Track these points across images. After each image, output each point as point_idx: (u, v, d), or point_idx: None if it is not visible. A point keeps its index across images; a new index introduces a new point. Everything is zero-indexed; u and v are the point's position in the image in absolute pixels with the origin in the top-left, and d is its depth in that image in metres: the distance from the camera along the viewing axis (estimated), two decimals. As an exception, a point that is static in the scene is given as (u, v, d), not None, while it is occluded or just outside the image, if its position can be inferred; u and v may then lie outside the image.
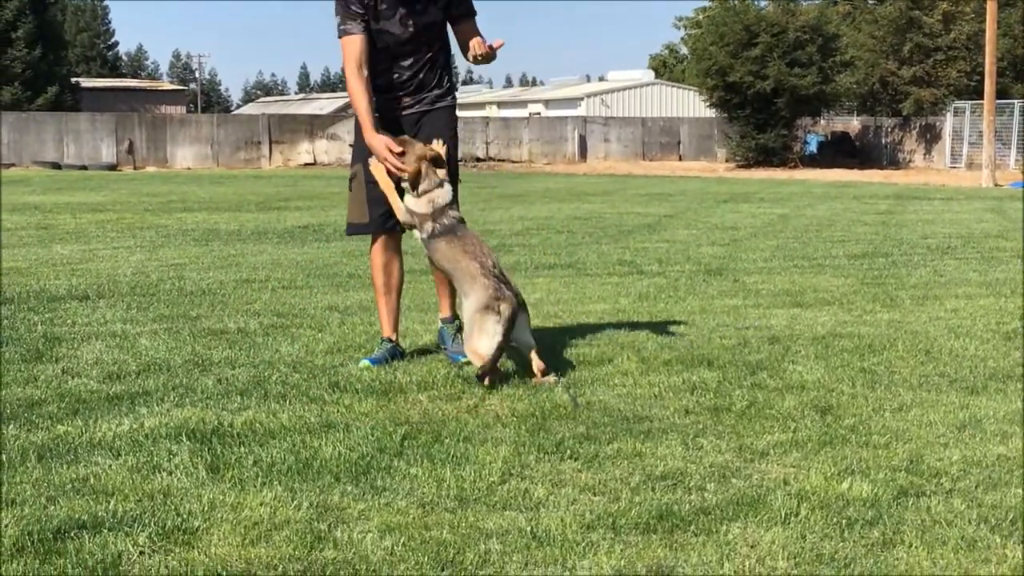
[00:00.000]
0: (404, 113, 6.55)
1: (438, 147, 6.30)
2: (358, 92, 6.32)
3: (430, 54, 6.55)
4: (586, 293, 9.57)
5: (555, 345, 6.92)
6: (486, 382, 5.71)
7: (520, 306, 5.96)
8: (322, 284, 10.14)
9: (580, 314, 8.31)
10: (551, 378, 5.85)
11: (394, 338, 6.76)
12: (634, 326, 7.76)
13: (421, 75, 6.53)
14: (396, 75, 6.53)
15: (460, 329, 6.55)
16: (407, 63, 6.51)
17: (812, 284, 10.21)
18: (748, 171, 48.93)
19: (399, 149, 6.18)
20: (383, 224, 6.59)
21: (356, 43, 6.34)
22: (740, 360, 6.49)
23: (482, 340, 5.83)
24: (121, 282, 10.18)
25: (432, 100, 6.59)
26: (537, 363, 5.96)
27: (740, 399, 5.55)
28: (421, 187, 6.18)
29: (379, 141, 6.22)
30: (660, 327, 7.70)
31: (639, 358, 6.53)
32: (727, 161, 54.69)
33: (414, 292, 9.24)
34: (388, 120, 6.48)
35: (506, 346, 5.85)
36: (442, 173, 6.25)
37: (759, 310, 8.56)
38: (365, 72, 6.36)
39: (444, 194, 6.21)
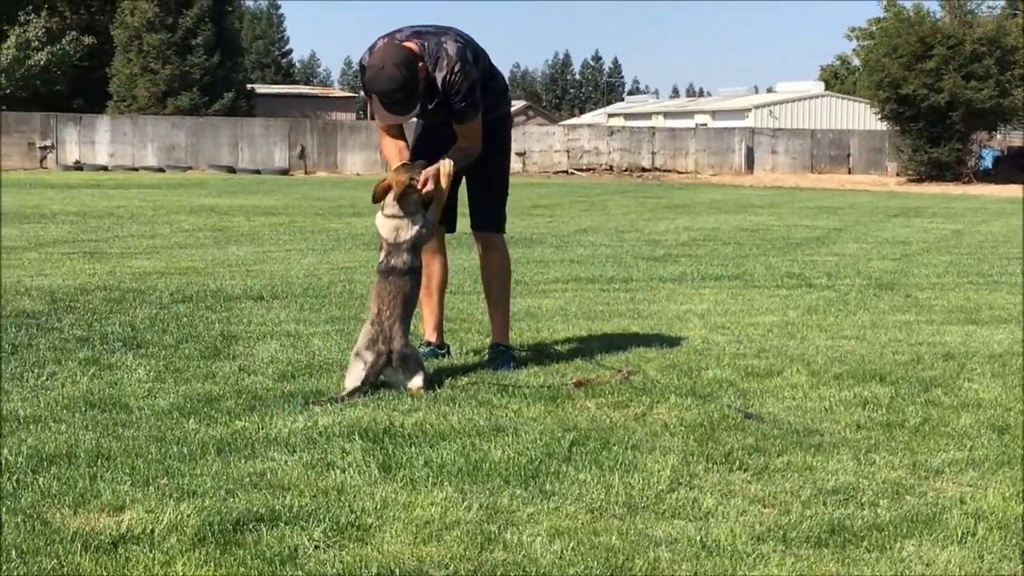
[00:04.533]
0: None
1: (444, 169, 6.25)
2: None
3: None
4: (754, 305, 9.49)
5: (722, 356, 6.88)
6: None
7: (393, 362, 5.90)
8: (489, 290, 10.21)
9: (748, 326, 8.24)
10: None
11: (434, 340, 6.84)
12: (803, 339, 7.68)
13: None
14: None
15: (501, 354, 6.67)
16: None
17: (988, 301, 9.97)
18: (920, 185, 47.95)
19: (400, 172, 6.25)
20: None
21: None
22: (913, 376, 6.37)
23: (348, 378, 5.90)
24: (294, 283, 10.40)
25: None
26: (414, 391, 5.88)
27: (914, 415, 5.46)
28: (388, 209, 6.18)
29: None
30: (830, 341, 7.61)
31: (809, 371, 6.46)
32: (898, 175, 53.63)
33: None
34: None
35: (367, 388, 5.82)
36: (412, 205, 6.18)
37: (932, 326, 8.39)
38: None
39: (410, 229, 6.16)
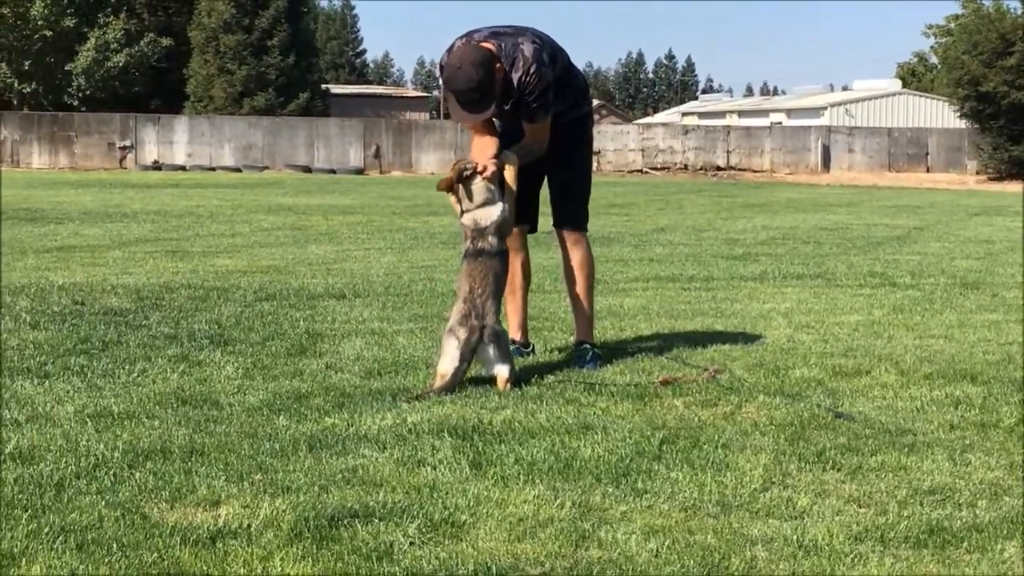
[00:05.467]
0: None
1: (508, 168, 6.27)
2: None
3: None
4: (837, 304, 9.40)
5: (808, 355, 6.82)
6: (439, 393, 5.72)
7: (486, 337, 5.92)
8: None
9: (833, 325, 8.16)
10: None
11: (519, 338, 6.84)
12: (890, 338, 7.60)
13: None
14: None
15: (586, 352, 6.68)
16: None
17: (1078, 301, 9.79)
18: (1000, 184, 47.29)
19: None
20: None
21: None
22: (1005, 376, 6.28)
23: (442, 360, 5.90)
24: (375, 282, 10.45)
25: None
26: (501, 386, 5.88)
27: (1008, 415, 5.37)
28: (464, 204, 6.21)
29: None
30: (918, 340, 7.52)
31: (898, 371, 6.38)
32: (977, 173, 52.95)
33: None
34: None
35: (465, 368, 5.88)
36: (483, 194, 6.18)
37: (1021, 326, 8.26)
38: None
39: (488, 215, 6.17)
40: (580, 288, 6.87)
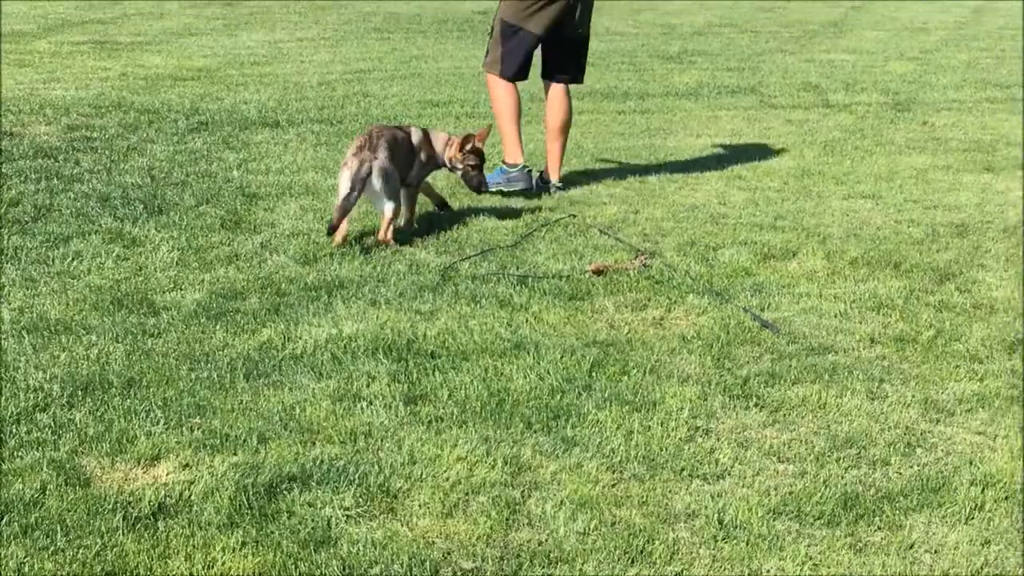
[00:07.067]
0: None
1: None
2: None
3: None
4: (770, 136, 9.48)
5: (738, 228, 6.93)
6: (336, 238, 6.36)
7: (375, 170, 6.37)
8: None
9: (764, 175, 8.26)
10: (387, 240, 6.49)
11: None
12: (819, 198, 7.71)
13: None
14: None
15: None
16: None
17: (1005, 132, 9.92)
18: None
19: None
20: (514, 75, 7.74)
21: None
22: (927, 264, 6.40)
23: (339, 190, 6.45)
24: (308, 99, 10.39)
25: None
26: (382, 232, 6.48)
27: (927, 327, 5.48)
28: None
29: None
30: (846, 201, 7.65)
31: (824, 252, 6.50)
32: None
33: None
34: None
35: (351, 202, 6.35)
36: None
37: (948, 176, 8.40)
38: None
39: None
40: (566, 135, 7.82)
